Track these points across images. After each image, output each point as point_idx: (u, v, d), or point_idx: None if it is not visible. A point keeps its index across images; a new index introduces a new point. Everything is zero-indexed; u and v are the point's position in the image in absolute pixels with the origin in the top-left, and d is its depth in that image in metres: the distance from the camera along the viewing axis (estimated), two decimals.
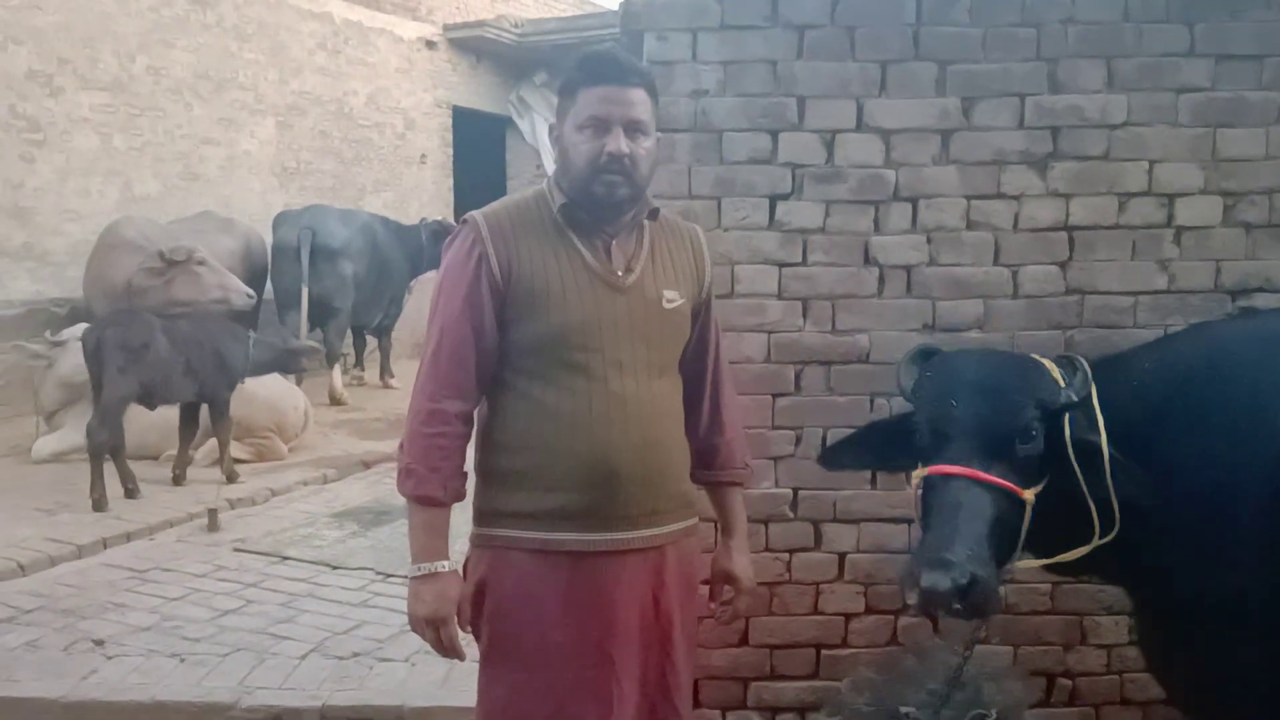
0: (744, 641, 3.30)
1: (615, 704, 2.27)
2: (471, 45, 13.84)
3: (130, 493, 6.48)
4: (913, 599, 2.22)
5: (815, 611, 3.30)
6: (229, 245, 9.23)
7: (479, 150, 14.34)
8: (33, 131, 8.92)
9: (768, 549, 3.26)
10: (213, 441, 7.15)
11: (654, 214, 2.37)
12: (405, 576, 2.29)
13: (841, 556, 3.28)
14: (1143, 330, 3.13)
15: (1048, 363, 2.50)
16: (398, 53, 12.90)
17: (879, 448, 2.64)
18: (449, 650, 2.27)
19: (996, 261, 3.17)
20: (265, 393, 7.55)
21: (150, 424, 7.20)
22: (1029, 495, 2.32)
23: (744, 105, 3.13)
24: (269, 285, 9.68)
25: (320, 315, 9.57)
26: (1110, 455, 2.35)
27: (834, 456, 2.76)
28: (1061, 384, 2.42)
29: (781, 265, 3.18)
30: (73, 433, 7.10)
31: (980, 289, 3.17)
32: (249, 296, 7.75)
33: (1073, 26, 3.09)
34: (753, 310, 3.18)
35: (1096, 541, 2.41)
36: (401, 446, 2.27)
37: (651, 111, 2.28)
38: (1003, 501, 2.29)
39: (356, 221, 9.93)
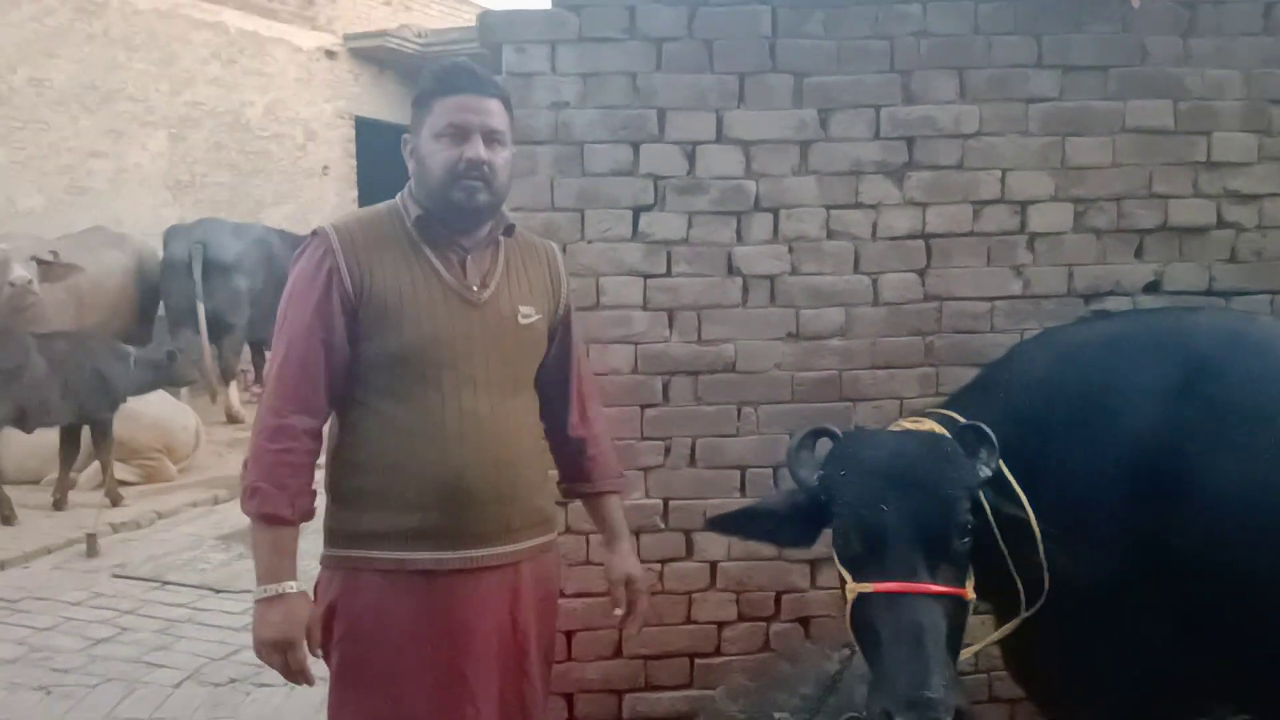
0: (617, 653, 3.29)
1: None
2: (373, 55, 13.66)
3: (6, 519, 6.25)
4: None
5: (688, 621, 3.31)
6: (121, 261, 8.98)
7: (384, 161, 14.05)
8: None
9: (640, 559, 3.24)
10: (97, 464, 6.93)
11: (509, 230, 2.36)
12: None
13: (713, 565, 3.29)
14: (1000, 335, 3.20)
15: (942, 429, 2.36)
16: (296, 63, 12.66)
17: (761, 529, 2.47)
18: (297, 675, 2.20)
19: (856, 270, 3.22)
20: (153, 412, 7.34)
21: (30, 448, 6.95)
22: (971, 594, 2.19)
23: (604, 117, 3.13)
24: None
25: (215, 331, 9.33)
26: (1040, 529, 2.25)
27: (719, 525, 2.53)
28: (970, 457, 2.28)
29: (646, 276, 3.19)
30: None
31: (841, 297, 3.22)
32: (11, 285, 7.04)
33: (924, 39, 3.16)
34: (618, 322, 3.18)
35: (1024, 614, 2.34)
36: (246, 465, 2.21)
37: (508, 123, 2.28)
38: (953, 609, 2.13)
39: (250, 235, 9.71)
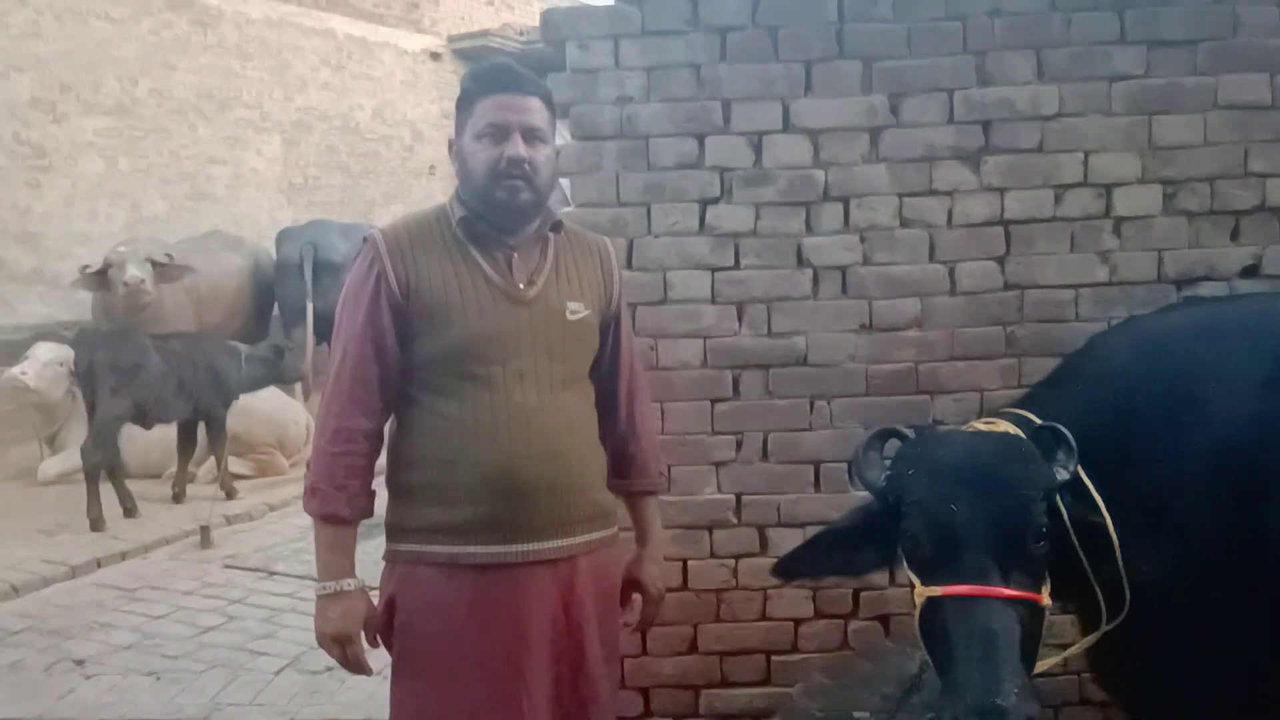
0: (693, 649, 3.28)
1: (526, 717, 2.26)
2: (476, 55, 13.84)
3: (129, 511, 6.58)
4: None
5: (764, 617, 3.27)
6: (237, 263, 9.31)
7: None
8: (38, 157, 9.07)
9: (713, 555, 3.24)
10: (214, 458, 7.23)
11: (557, 226, 2.37)
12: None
13: None
14: (1086, 324, 3.06)
15: (1017, 431, 2.27)
16: (402, 65, 12.98)
17: (835, 560, 2.36)
18: (355, 667, 2.28)
19: (932, 259, 3.12)
20: (265, 408, 7.64)
21: (152, 442, 7.30)
22: (1047, 599, 2.10)
23: (669, 110, 3.11)
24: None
25: (326, 330, 9.62)
26: (1117, 534, 2.14)
27: (787, 568, 2.43)
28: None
29: (714, 270, 3.16)
30: (75, 454, 7.20)
31: (917, 287, 3.13)
32: (125, 285, 7.29)
33: (999, 18, 3.05)
34: (687, 316, 3.16)
35: (1105, 626, 2.25)
36: (309, 465, 2.28)
37: (549, 121, 2.30)
38: (1027, 615, 2.04)
39: (358, 235, 9.89)
